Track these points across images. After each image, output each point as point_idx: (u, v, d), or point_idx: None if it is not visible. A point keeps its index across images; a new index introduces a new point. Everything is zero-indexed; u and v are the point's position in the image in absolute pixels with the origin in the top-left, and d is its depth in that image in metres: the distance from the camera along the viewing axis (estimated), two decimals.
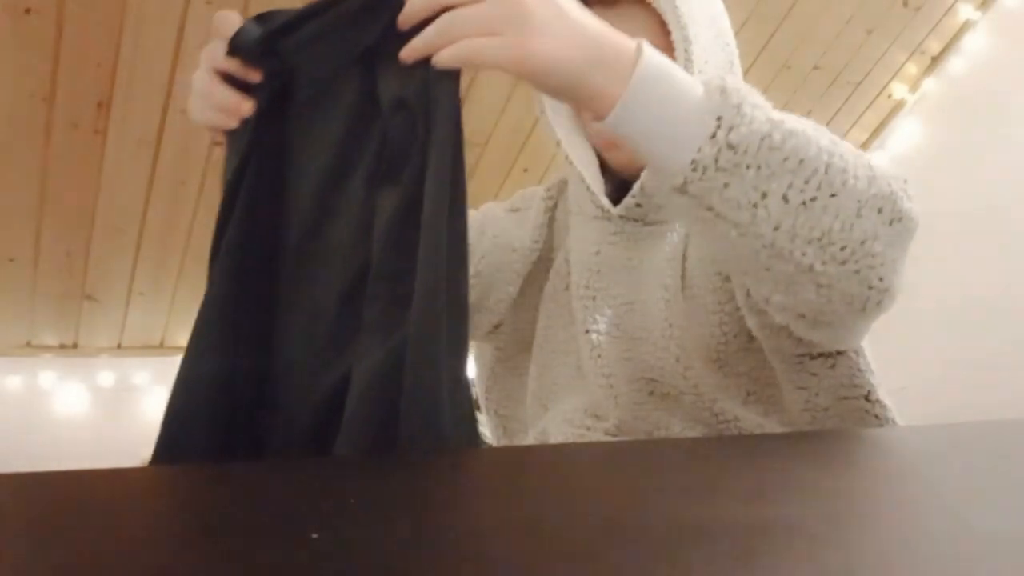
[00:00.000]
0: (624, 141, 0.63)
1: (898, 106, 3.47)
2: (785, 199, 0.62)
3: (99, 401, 2.97)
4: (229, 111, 0.67)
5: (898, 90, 3.43)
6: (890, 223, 0.66)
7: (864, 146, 3.58)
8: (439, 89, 0.62)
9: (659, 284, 0.93)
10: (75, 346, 2.95)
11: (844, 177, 0.63)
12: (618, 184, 0.99)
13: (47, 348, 2.91)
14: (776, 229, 0.62)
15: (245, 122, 0.66)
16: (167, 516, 0.40)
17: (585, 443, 0.91)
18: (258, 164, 0.67)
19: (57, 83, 2.23)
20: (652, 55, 0.62)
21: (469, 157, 3.13)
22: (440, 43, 0.60)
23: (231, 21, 0.65)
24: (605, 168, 0.99)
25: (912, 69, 3.38)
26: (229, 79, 0.66)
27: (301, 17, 0.64)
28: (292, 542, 0.33)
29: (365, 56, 0.64)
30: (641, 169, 0.93)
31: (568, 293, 1.00)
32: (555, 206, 1.08)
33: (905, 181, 0.70)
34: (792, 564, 0.30)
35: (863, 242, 0.64)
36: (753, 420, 0.90)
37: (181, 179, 2.57)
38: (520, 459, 0.56)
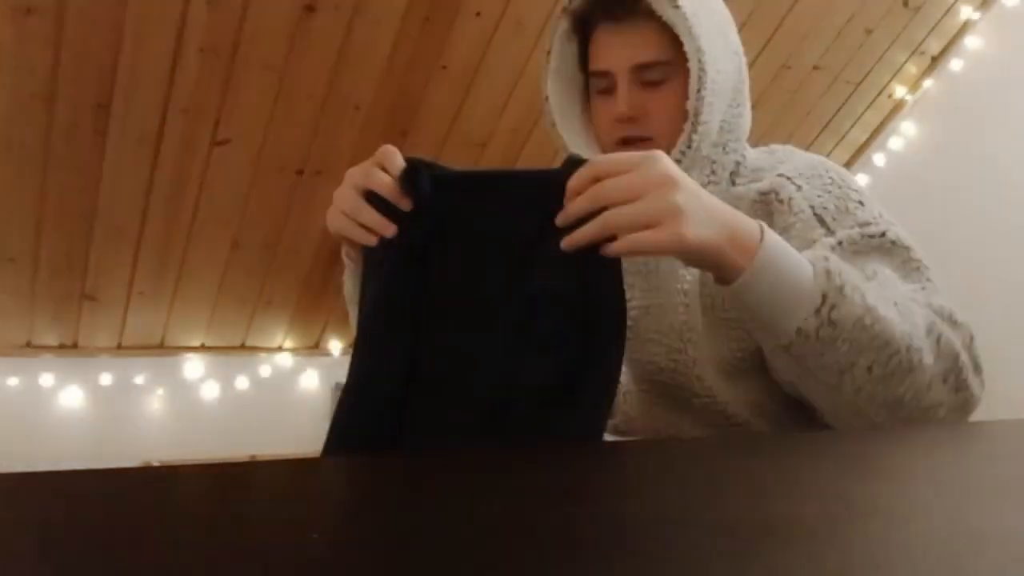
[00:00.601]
0: (742, 304, 0.74)
1: (898, 106, 3.47)
2: (869, 371, 0.74)
3: (99, 401, 2.97)
4: (373, 228, 0.73)
5: (898, 90, 3.43)
6: (956, 391, 0.78)
7: (864, 146, 3.58)
8: (601, 281, 0.70)
9: (678, 289, 0.93)
10: (75, 346, 2.95)
11: (920, 356, 0.75)
12: None
13: (47, 348, 2.91)
14: (857, 392, 0.75)
15: (385, 247, 0.72)
16: (167, 516, 0.40)
17: (581, 444, 0.91)
18: (400, 290, 0.72)
19: (57, 83, 2.23)
20: (771, 236, 0.73)
21: (469, 157, 3.13)
22: (603, 235, 0.68)
23: (394, 154, 0.74)
24: None
25: (912, 69, 3.38)
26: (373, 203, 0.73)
27: (471, 177, 0.75)
28: (292, 542, 0.33)
29: (515, 240, 0.71)
30: None
31: None
32: None
33: (971, 338, 0.80)
34: (792, 564, 0.30)
35: (929, 409, 0.77)
36: (762, 429, 0.90)
37: (181, 179, 2.57)
38: (520, 459, 0.56)
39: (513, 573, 0.29)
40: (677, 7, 0.89)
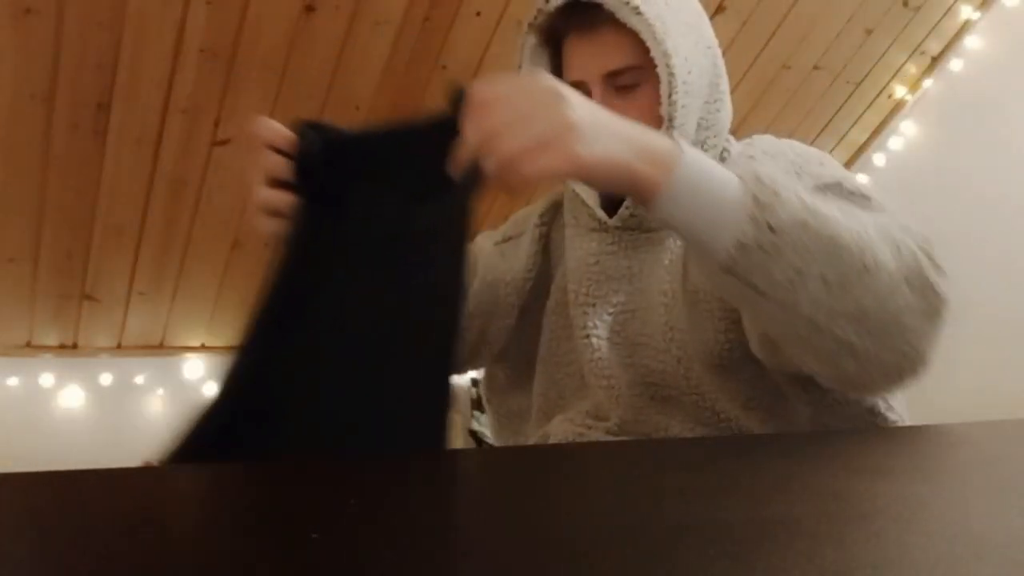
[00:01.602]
0: (671, 225, 0.69)
1: (898, 106, 3.47)
2: (823, 280, 0.67)
3: (99, 401, 2.97)
4: (277, 210, 0.73)
5: (898, 90, 3.43)
6: (922, 294, 0.71)
7: (864, 146, 3.58)
8: (459, 194, 0.65)
9: (659, 291, 0.94)
10: (75, 346, 2.95)
11: (874, 255, 0.68)
12: (611, 195, 0.99)
13: (47, 348, 2.91)
14: (815, 306, 0.68)
15: (293, 219, 0.71)
16: (167, 516, 0.40)
17: (585, 443, 0.91)
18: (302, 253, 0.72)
19: (57, 83, 2.23)
20: (692, 150, 0.69)
21: None
22: (490, 156, 0.64)
23: (273, 127, 0.73)
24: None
25: (912, 69, 3.38)
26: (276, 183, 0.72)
27: (359, 138, 0.74)
28: (292, 542, 0.33)
29: (409, 191, 0.67)
30: None
31: (568, 304, 1.00)
32: (549, 230, 1.09)
33: (930, 244, 0.74)
34: (792, 564, 0.30)
35: (897, 315, 0.70)
36: (754, 425, 0.90)
37: (181, 179, 2.57)
38: (520, 459, 0.56)
39: (503, 572, 0.29)
40: (640, 14, 0.88)
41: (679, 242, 0.94)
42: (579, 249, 1.00)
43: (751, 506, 0.39)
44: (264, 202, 0.72)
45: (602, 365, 0.94)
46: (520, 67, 1.00)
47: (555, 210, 1.10)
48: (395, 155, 0.71)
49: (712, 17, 2.85)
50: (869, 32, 3.14)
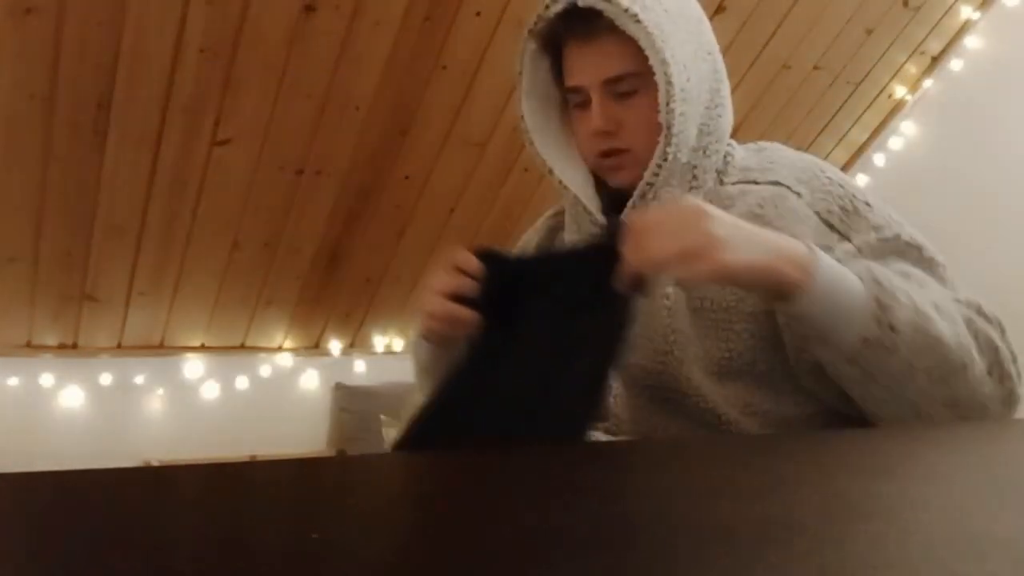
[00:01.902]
0: (801, 318, 0.78)
1: (898, 106, 3.47)
2: (929, 373, 0.78)
3: (99, 401, 2.97)
4: (457, 322, 0.87)
5: (898, 90, 3.43)
6: (1001, 383, 0.82)
7: (864, 146, 3.58)
8: (623, 305, 0.80)
9: (661, 294, 0.94)
10: (75, 346, 2.95)
11: (970, 352, 0.79)
12: (612, 199, 1.01)
13: (47, 348, 2.91)
14: (920, 395, 0.79)
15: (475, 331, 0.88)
16: (167, 516, 0.40)
17: (585, 443, 0.91)
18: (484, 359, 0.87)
19: (57, 83, 2.23)
20: (820, 252, 0.78)
21: (469, 157, 3.14)
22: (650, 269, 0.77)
23: (468, 258, 0.87)
24: (597, 188, 1.02)
25: (912, 69, 3.38)
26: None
27: (532, 260, 0.94)
28: (292, 542, 0.33)
29: (574, 302, 0.84)
30: (634, 185, 0.96)
31: None
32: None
33: (1000, 325, 0.86)
34: (792, 563, 0.30)
35: (983, 403, 0.81)
36: (753, 428, 0.90)
37: (181, 179, 2.57)
38: (519, 459, 0.56)
39: (506, 571, 0.29)
40: (639, 21, 0.89)
41: None
42: None
43: (751, 506, 0.39)
44: (448, 313, 0.87)
45: None
46: (520, 73, 1.01)
47: (552, 235, 1.12)
48: (560, 275, 0.86)
49: (712, 17, 2.85)
50: (869, 32, 3.14)
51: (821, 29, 3.04)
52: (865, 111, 3.46)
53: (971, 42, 3.27)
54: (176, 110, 2.39)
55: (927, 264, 0.89)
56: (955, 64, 3.32)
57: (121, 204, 2.56)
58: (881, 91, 3.41)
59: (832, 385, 0.85)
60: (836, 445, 0.65)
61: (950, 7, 3.21)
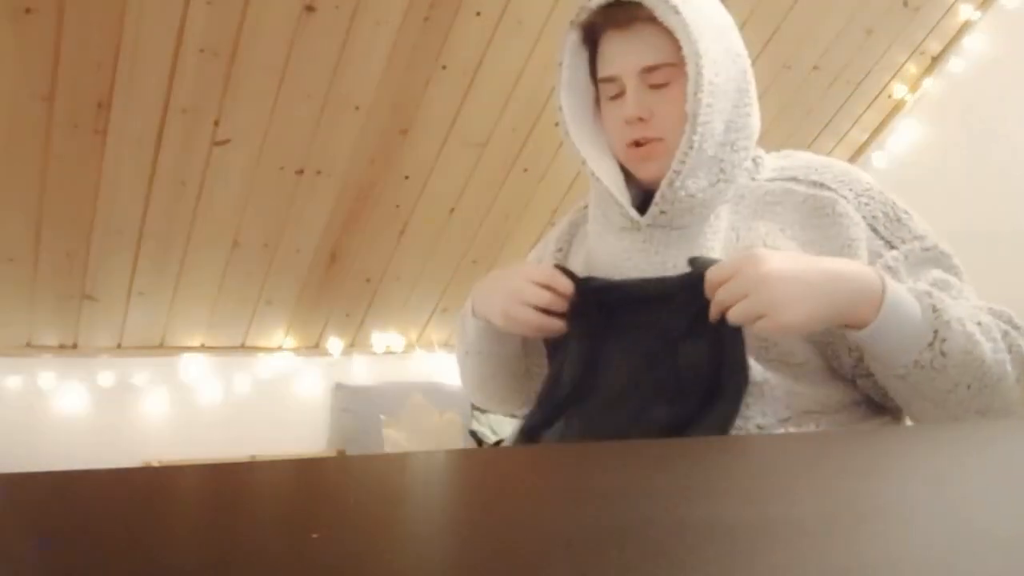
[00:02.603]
0: (865, 346, 0.86)
1: (898, 106, 3.47)
2: (968, 388, 0.86)
3: (99, 401, 2.97)
4: (545, 331, 0.98)
5: (898, 90, 3.43)
6: None
7: (864, 146, 3.58)
8: (731, 350, 0.90)
9: None
10: (75, 346, 2.95)
11: (1005, 367, 0.86)
12: (640, 196, 1.04)
13: (47, 348, 2.91)
14: (959, 406, 0.87)
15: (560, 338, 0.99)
16: (167, 516, 0.40)
17: (585, 443, 0.91)
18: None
19: (57, 83, 2.23)
20: (891, 283, 0.84)
21: (469, 157, 3.14)
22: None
23: (564, 281, 0.96)
24: (627, 182, 1.05)
25: (912, 69, 3.38)
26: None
27: (625, 286, 0.97)
28: (292, 542, 0.33)
29: (667, 328, 0.93)
30: (661, 178, 0.98)
31: None
32: (566, 255, 1.14)
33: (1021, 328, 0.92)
34: (792, 564, 0.30)
35: (1011, 406, 0.89)
36: (788, 415, 0.92)
37: (181, 179, 2.57)
38: (520, 458, 0.56)
39: (506, 571, 0.29)
40: (678, 13, 0.94)
41: (712, 240, 0.99)
42: (612, 246, 1.04)
43: (751, 506, 0.39)
44: (541, 325, 0.97)
45: None
46: (561, 64, 1.05)
47: (573, 231, 1.16)
48: (651, 302, 0.95)
49: None
50: (869, 32, 3.14)
51: (821, 29, 3.04)
52: (865, 111, 3.46)
53: (971, 42, 3.27)
54: (176, 110, 2.39)
55: (956, 272, 0.96)
56: (955, 64, 3.32)
57: (121, 204, 2.56)
58: (881, 91, 3.41)
59: (872, 381, 0.92)
60: (836, 445, 0.65)
61: (950, 7, 3.21)
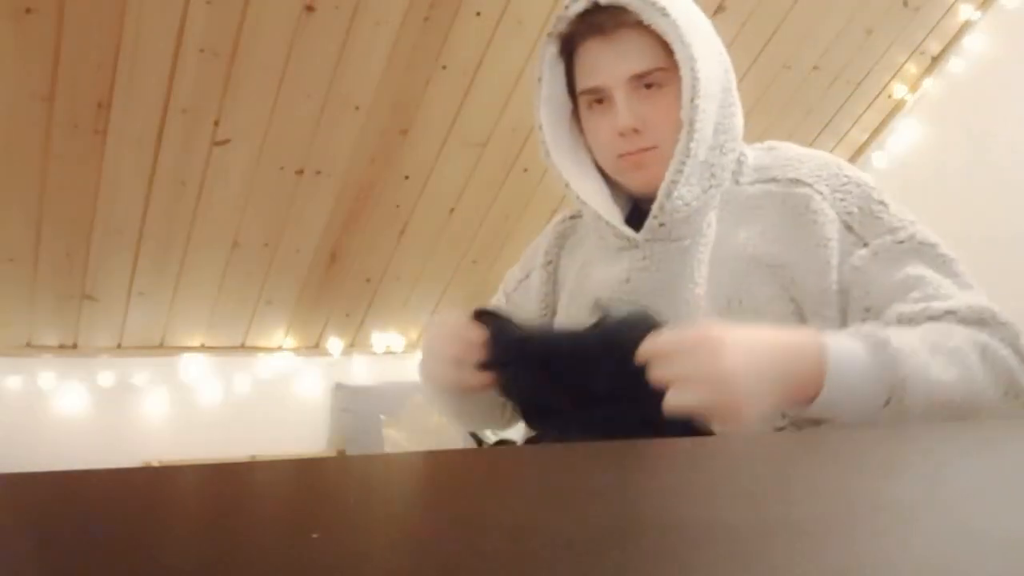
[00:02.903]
0: (820, 414, 0.80)
1: (898, 106, 3.47)
2: (945, 417, 0.80)
3: (99, 401, 2.97)
4: (468, 387, 0.87)
5: (898, 90, 3.43)
6: (1016, 398, 0.83)
7: (864, 146, 3.58)
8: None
9: (683, 300, 0.94)
10: (75, 346, 2.95)
11: (984, 392, 0.81)
12: (628, 207, 1.01)
13: (47, 348, 2.91)
14: (932, 423, 0.81)
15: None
16: (167, 516, 0.40)
17: (585, 443, 0.91)
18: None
19: (57, 83, 2.23)
20: (834, 352, 0.77)
21: (469, 157, 3.13)
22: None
23: (471, 327, 0.87)
24: (613, 194, 1.01)
25: (912, 69, 3.38)
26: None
27: (540, 338, 0.90)
28: (292, 542, 0.33)
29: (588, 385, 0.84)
30: (652, 185, 0.95)
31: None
32: (555, 267, 1.11)
33: (1017, 336, 0.85)
34: (792, 563, 0.30)
35: (994, 412, 0.83)
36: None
37: (181, 179, 2.57)
38: (520, 459, 0.56)
39: (506, 571, 0.29)
40: (667, 15, 0.89)
41: (702, 249, 0.95)
42: (610, 269, 1.00)
43: (751, 506, 0.39)
44: (458, 382, 0.88)
45: None
46: (540, 79, 1.00)
47: (561, 242, 1.11)
48: (565, 357, 0.86)
49: (712, 17, 2.84)
50: (869, 32, 3.14)
51: (821, 29, 3.04)
52: (865, 111, 3.46)
53: (971, 42, 3.27)
54: (176, 110, 2.39)
55: (941, 262, 0.90)
56: (955, 64, 3.32)
57: (121, 204, 2.56)
58: (881, 91, 3.41)
59: None
60: (836, 445, 0.65)
61: (950, 7, 3.21)
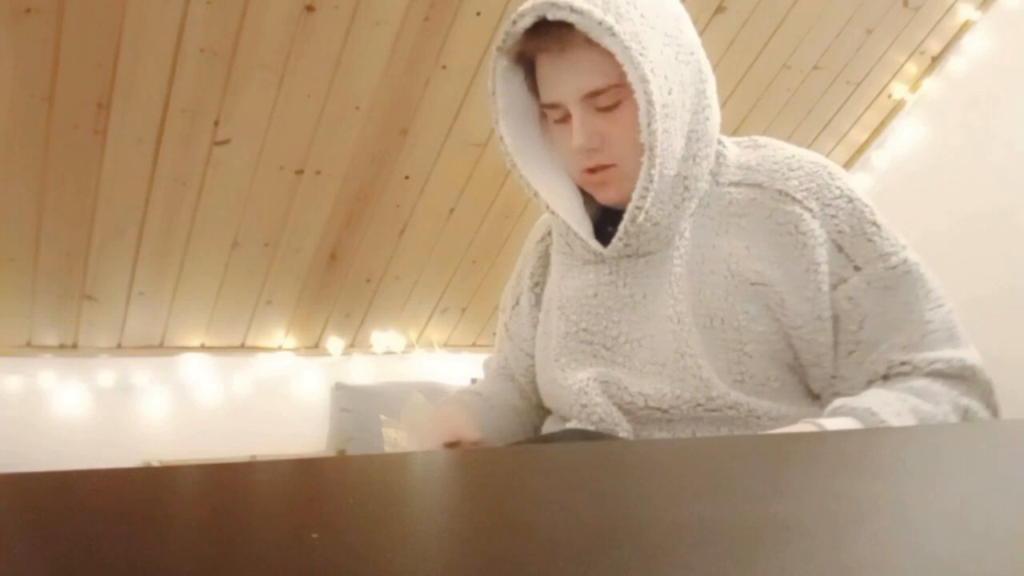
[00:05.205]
0: None
1: (898, 106, 3.47)
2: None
3: (99, 401, 2.97)
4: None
5: (898, 90, 3.43)
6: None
7: (864, 146, 3.58)
8: None
9: (664, 316, 0.92)
10: (75, 346, 2.95)
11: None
12: (599, 213, 0.99)
13: (47, 348, 2.91)
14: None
15: None
16: (167, 516, 0.40)
17: (585, 443, 0.91)
18: None
19: (57, 83, 2.23)
20: (830, 426, 0.79)
21: (469, 157, 3.13)
22: None
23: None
24: (587, 200, 0.99)
25: (912, 69, 3.38)
26: None
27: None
28: (292, 542, 0.33)
29: None
30: (624, 200, 0.93)
31: (561, 335, 1.01)
32: (542, 289, 1.10)
33: (991, 391, 0.91)
34: (791, 564, 0.30)
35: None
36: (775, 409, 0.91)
37: (181, 179, 2.57)
38: (520, 459, 0.56)
39: (506, 571, 0.29)
40: (614, 35, 0.84)
41: (679, 264, 0.93)
42: (577, 281, 0.99)
43: (751, 506, 0.39)
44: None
45: (593, 409, 0.94)
46: (493, 93, 0.97)
47: (545, 261, 1.10)
48: None
49: (712, 17, 2.85)
50: (869, 32, 3.14)
51: (821, 29, 3.04)
52: (865, 111, 3.46)
53: (971, 42, 3.27)
54: (176, 110, 2.39)
55: (922, 291, 0.90)
56: (955, 64, 3.32)
57: (121, 204, 2.56)
58: (881, 91, 3.41)
59: (847, 389, 0.89)
60: (836, 445, 0.65)
61: (950, 7, 3.22)
